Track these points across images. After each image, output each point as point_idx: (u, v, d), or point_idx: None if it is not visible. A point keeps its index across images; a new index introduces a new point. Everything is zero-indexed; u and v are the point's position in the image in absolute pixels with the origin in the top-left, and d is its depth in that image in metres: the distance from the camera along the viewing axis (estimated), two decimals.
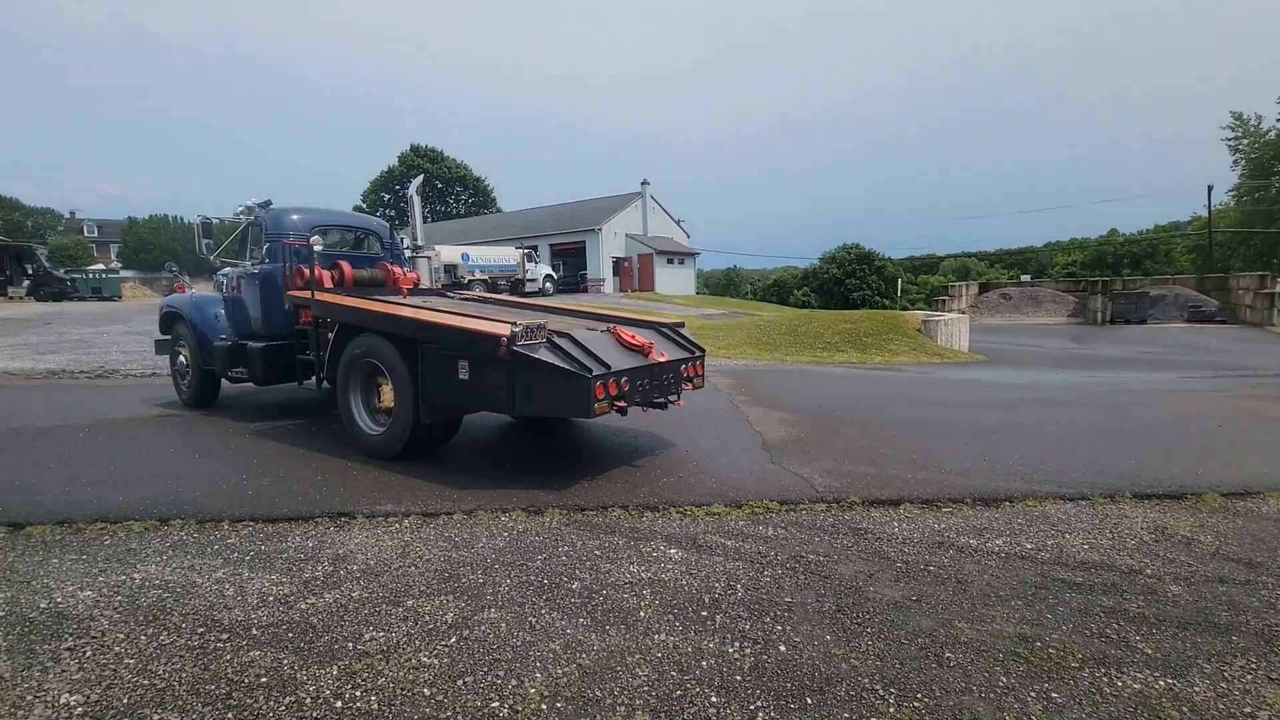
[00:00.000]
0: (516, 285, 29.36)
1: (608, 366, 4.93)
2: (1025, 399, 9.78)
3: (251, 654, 2.90)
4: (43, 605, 3.33)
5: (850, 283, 75.65)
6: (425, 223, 9.48)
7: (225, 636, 3.04)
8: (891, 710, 2.58)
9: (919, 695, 2.67)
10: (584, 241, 40.28)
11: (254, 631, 3.09)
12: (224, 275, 8.46)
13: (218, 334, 7.94)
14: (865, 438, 6.92)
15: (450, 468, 5.69)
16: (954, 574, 3.79)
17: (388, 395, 5.84)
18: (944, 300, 32.88)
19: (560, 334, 5.11)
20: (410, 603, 3.39)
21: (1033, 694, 2.69)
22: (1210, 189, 43.31)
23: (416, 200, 8.87)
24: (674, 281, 41.69)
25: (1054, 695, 2.68)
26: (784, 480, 5.39)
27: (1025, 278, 41.27)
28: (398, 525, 4.42)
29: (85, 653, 2.91)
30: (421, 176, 9.36)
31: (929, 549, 4.15)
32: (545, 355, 4.80)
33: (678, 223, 47.04)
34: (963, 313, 22.21)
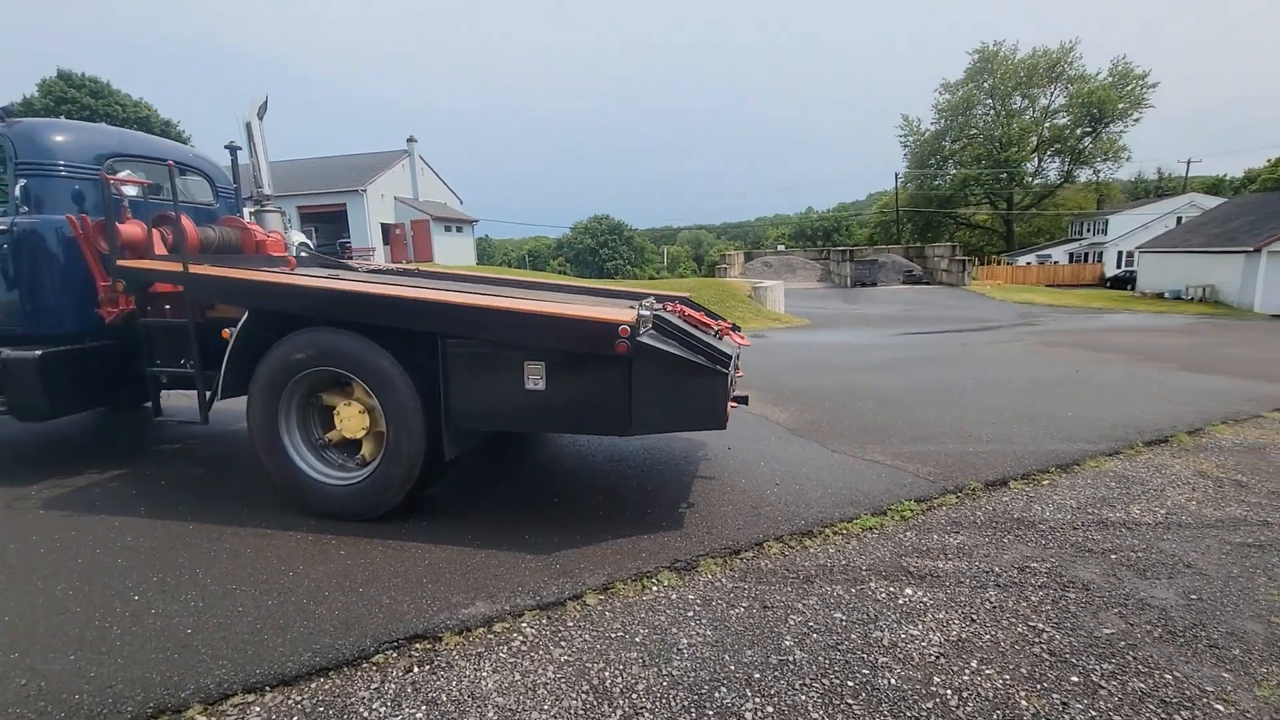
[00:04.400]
0: None
1: (726, 356, 3.72)
2: (906, 358, 10.61)
3: None
4: None
5: (604, 252, 78.74)
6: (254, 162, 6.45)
7: None
8: None
9: None
10: (344, 204, 34.43)
11: None
12: None
13: None
14: (863, 412, 6.65)
15: (468, 520, 3.90)
16: (1176, 559, 3.56)
17: (353, 422, 3.77)
18: (724, 269, 35.59)
19: (657, 317, 3.72)
20: None
21: None
22: (898, 175, 53.46)
23: (258, 127, 6.06)
24: (453, 251, 38.14)
25: None
26: (879, 472, 4.78)
27: (780, 247, 46.71)
28: (521, 637, 2.76)
29: None
30: (265, 97, 6.41)
31: (1107, 531, 3.90)
32: (671, 348, 3.41)
33: (449, 188, 43.02)
34: (753, 280, 24.14)
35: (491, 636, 2.76)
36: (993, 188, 58.66)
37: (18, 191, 4.41)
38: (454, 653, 2.64)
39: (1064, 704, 2.40)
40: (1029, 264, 52.51)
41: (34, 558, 3.38)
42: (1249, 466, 5.10)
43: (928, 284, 33.56)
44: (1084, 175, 57.88)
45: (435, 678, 2.49)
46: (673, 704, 2.36)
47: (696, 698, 2.40)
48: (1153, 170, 67.15)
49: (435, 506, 4.06)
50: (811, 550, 3.61)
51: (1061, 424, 6.19)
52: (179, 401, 5.09)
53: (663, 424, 3.51)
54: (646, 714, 2.32)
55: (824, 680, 2.51)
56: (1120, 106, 52.06)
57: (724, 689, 2.45)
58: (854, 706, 2.37)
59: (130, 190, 4.57)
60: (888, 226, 68.79)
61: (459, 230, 40.33)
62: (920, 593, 3.18)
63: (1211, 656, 2.70)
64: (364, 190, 33.95)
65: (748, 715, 2.31)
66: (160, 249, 4.57)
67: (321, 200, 35.05)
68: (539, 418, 3.49)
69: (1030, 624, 2.93)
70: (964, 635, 2.82)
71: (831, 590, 3.18)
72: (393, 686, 2.44)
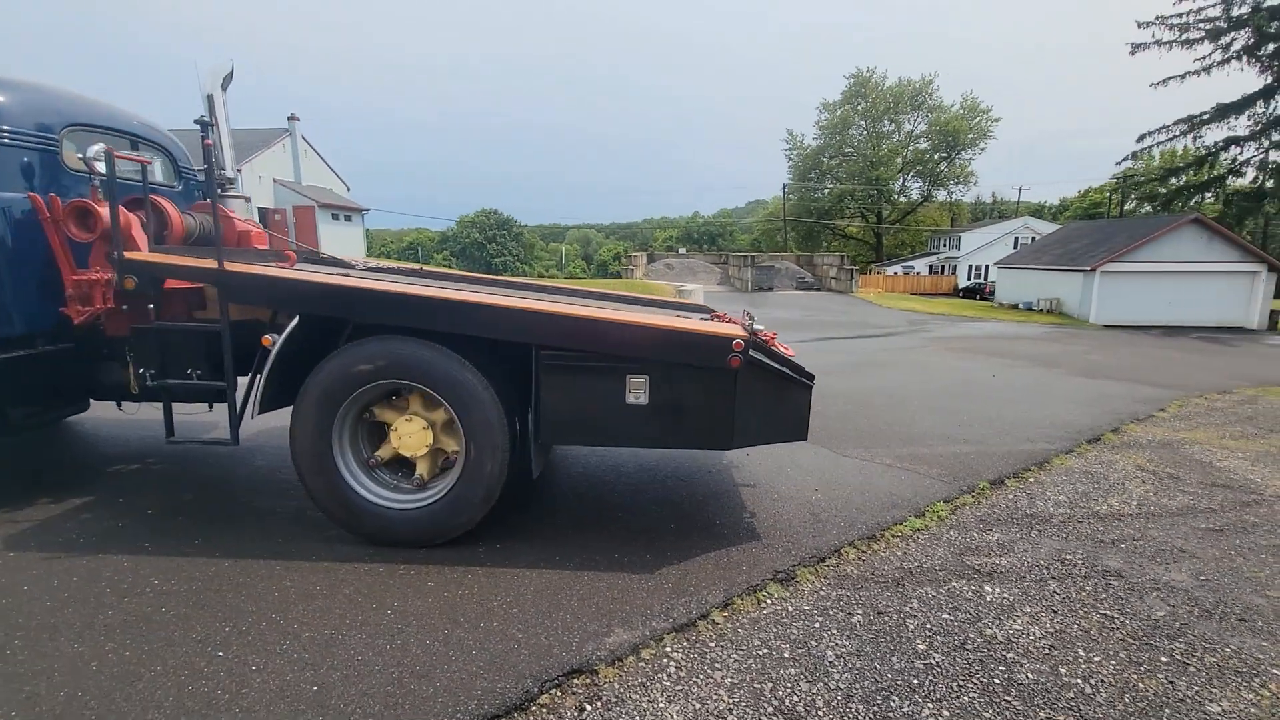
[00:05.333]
0: None
1: (803, 368, 3.83)
2: (847, 363, 11.32)
3: None
4: None
5: (492, 248, 77.23)
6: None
7: None
8: None
9: None
10: None
11: None
12: None
13: None
14: (847, 416, 7.04)
15: (541, 541, 3.70)
16: (1170, 545, 4.12)
17: (414, 439, 3.45)
18: (631, 270, 35.92)
19: None
20: None
21: None
22: (785, 187, 56.59)
23: (220, 100, 5.32)
24: (341, 242, 35.33)
25: None
26: (897, 475, 5.12)
27: (681, 250, 47.86)
28: (673, 662, 2.69)
29: None
30: (231, 66, 5.58)
31: (1104, 523, 4.44)
32: (771, 361, 3.46)
33: (335, 173, 39.86)
34: (671, 282, 24.61)
35: (643, 664, 2.66)
36: (865, 203, 63.78)
37: None
38: (617, 685, 2.52)
39: (1171, 681, 2.72)
40: (895, 274, 57.74)
41: (44, 612, 2.78)
42: (1170, 460, 5.97)
43: (818, 290, 35.91)
44: (941, 195, 64.58)
45: (615, 714, 2.36)
46: (862, 717, 2.41)
47: (879, 709, 2.46)
48: (988, 194, 76.40)
49: (492, 527, 3.81)
50: (882, 554, 3.80)
51: (1013, 425, 6.91)
52: (148, 416, 4.38)
53: (758, 437, 3.54)
54: None
55: (974, 680, 2.67)
56: (970, 136, 58.50)
57: (896, 698, 2.53)
58: (1014, 703, 2.54)
59: (100, 166, 3.87)
60: (773, 234, 72.75)
61: (347, 219, 37.54)
62: (998, 590, 3.45)
63: (1246, 630, 3.17)
64: (238, 170, 30.63)
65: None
66: (138, 240, 3.90)
67: None
68: (638, 432, 3.38)
69: (1100, 612, 3.28)
70: (1058, 627, 3.11)
71: (924, 592, 3.37)
72: None
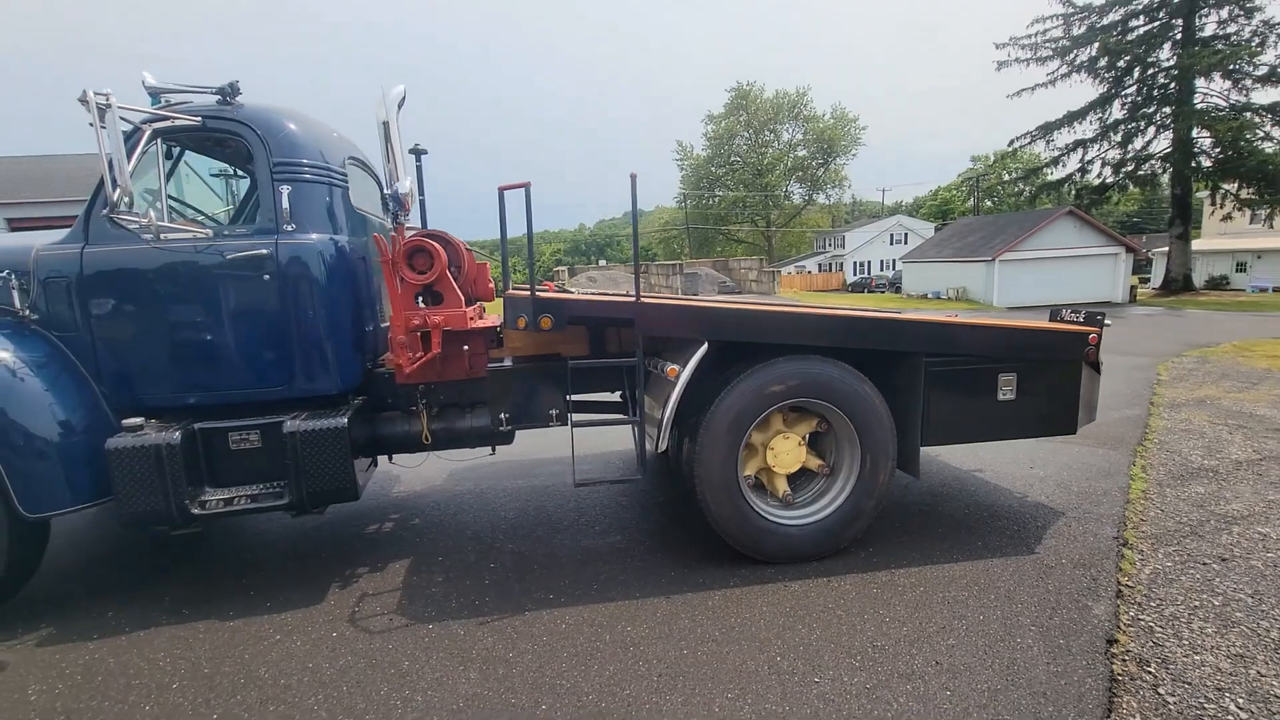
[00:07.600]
0: None
1: None
2: None
3: None
4: None
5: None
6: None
7: None
8: None
9: None
10: (74, 218, 26.88)
11: None
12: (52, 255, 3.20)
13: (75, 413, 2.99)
14: None
15: (884, 544, 3.91)
16: None
17: (789, 456, 3.55)
18: (561, 285, 35.71)
19: None
20: None
21: None
22: (686, 196, 58.55)
23: (396, 126, 4.98)
24: None
25: None
26: (1073, 450, 5.76)
27: (602, 263, 48.10)
28: (1150, 622, 3.02)
29: None
30: (404, 91, 5.10)
31: (1252, 467, 5.30)
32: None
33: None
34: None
35: (1133, 627, 2.97)
36: (755, 208, 67.39)
37: (285, 202, 3.21)
38: (1142, 647, 2.82)
39: None
40: (790, 273, 61.63)
41: (531, 671, 2.61)
42: (1223, 414, 7.13)
43: (740, 293, 37.59)
44: (821, 199, 69.68)
45: (1178, 669, 2.66)
46: None
47: None
48: (849, 197, 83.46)
49: None
50: (1150, 513, 4.36)
51: None
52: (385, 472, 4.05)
53: (1082, 421, 3.97)
54: None
55: None
56: (843, 144, 63.67)
57: None
58: None
59: (410, 203, 3.62)
60: (669, 242, 75.07)
61: None
62: (1271, 530, 4.10)
63: None
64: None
65: None
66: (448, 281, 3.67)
67: (40, 212, 27.08)
68: (1004, 426, 3.71)
69: None
70: None
71: (1223, 539, 3.94)
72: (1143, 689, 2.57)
